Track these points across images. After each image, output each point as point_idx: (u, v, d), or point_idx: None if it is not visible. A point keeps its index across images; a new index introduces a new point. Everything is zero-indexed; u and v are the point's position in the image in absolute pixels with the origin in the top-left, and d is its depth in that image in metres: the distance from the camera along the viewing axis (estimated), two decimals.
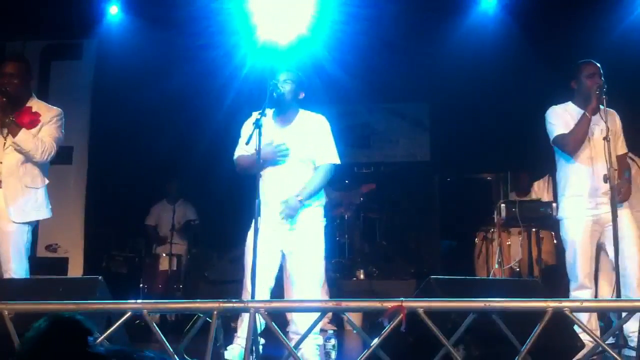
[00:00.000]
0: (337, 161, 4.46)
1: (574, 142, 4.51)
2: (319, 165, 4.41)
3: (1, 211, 4.35)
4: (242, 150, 4.42)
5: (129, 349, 1.45)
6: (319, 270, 4.34)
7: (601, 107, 4.40)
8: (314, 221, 4.37)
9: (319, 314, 3.39)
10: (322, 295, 6.32)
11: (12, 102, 4.42)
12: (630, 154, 5.03)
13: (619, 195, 4.30)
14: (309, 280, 4.29)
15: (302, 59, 7.18)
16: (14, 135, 4.36)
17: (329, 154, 4.44)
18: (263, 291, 4.13)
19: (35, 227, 4.60)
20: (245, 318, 4.04)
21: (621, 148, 4.64)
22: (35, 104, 4.58)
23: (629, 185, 4.51)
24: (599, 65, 4.56)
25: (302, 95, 4.45)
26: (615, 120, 4.63)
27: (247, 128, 4.34)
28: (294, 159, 4.35)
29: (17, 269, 4.31)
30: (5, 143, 4.42)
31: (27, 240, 4.44)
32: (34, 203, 4.47)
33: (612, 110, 4.63)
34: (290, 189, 4.29)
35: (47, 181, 4.60)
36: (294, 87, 4.40)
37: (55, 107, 4.63)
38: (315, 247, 4.33)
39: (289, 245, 4.32)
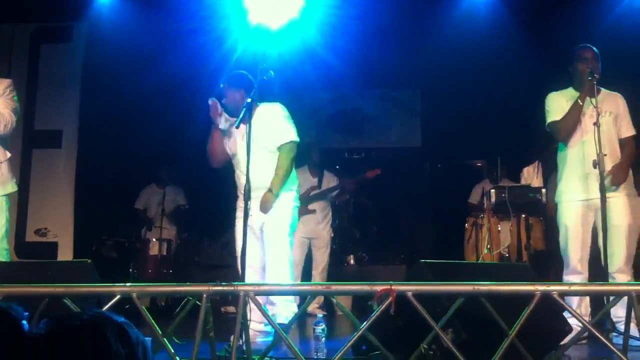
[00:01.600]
0: (296, 138, 4.66)
1: (565, 129, 4.52)
2: (279, 146, 4.63)
3: None
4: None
5: (67, 315, 1.38)
6: (284, 250, 4.54)
7: (602, 89, 4.40)
8: (280, 204, 4.57)
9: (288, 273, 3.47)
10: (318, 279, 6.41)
11: None
12: None
13: (613, 179, 4.30)
14: (276, 261, 4.49)
15: (294, 44, 7.16)
16: None
17: (285, 134, 4.65)
18: (256, 272, 4.41)
19: (14, 209, 4.53)
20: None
21: (626, 130, 4.58)
22: None
23: (621, 168, 4.47)
24: (595, 50, 4.55)
25: (247, 98, 4.43)
26: (618, 103, 4.60)
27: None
28: (259, 148, 4.48)
29: None
30: None
31: (3, 218, 4.35)
32: None
33: (615, 93, 4.63)
34: (260, 177, 4.45)
35: (9, 155, 4.50)
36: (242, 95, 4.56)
37: (3, 78, 4.51)
38: (280, 228, 4.55)
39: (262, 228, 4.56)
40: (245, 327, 3.30)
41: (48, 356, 1.27)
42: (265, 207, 4.51)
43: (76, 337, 1.28)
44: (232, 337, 3.27)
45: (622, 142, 4.55)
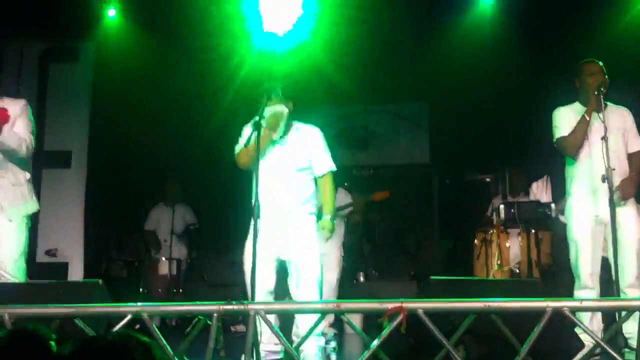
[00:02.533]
0: (334, 168, 4.59)
1: (573, 144, 4.52)
2: (320, 175, 4.54)
3: None
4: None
5: (92, 336, 1.40)
6: (316, 274, 4.37)
7: (608, 104, 4.41)
8: (307, 226, 4.43)
9: (319, 316, 3.40)
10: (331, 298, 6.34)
11: None
12: None
13: (623, 193, 4.28)
14: (308, 285, 4.32)
15: (300, 61, 7.20)
16: None
17: (327, 163, 4.56)
18: (262, 295, 4.18)
19: (31, 229, 4.57)
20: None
21: (635, 145, 4.56)
22: None
23: (631, 182, 4.44)
24: (601, 64, 4.56)
25: (291, 109, 4.44)
26: (626, 117, 4.59)
27: (247, 129, 4.37)
28: (291, 169, 4.43)
29: (13, 269, 4.27)
30: None
31: (25, 238, 4.41)
32: (20, 198, 4.41)
33: (622, 107, 4.62)
34: (286, 198, 4.37)
35: (28, 175, 4.55)
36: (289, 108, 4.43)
37: (19, 99, 4.51)
38: (310, 251, 4.38)
39: (285, 252, 4.38)
40: (256, 346, 3.30)
41: None
42: (327, 234, 4.44)
43: (103, 357, 1.29)
44: (242, 356, 3.27)
45: (631, 157, 4.55)
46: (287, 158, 4.41)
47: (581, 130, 4.46)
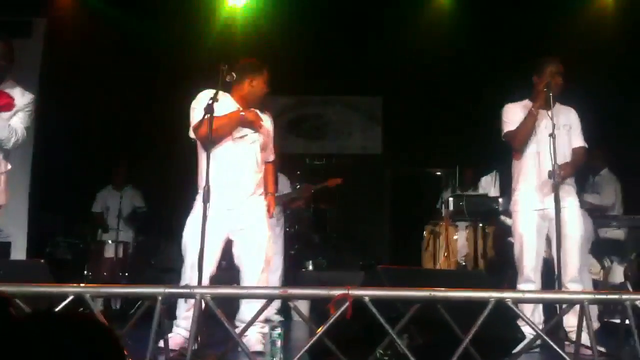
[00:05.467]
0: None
1: (519, 138, 4.60)
2: (269, 162, 4.68)
3: None
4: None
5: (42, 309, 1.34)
6: (264, 255, 4.37)
7: (558, 103, 4.48)
8: (258, 207, 4.45)
9: (265, 302, 3.39)
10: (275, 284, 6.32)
11: None
12: None
13: (558, 177, 4.34)
14: (255, 266, 4.32)
15: (256, 47, 7.16)
16: None
17: (273, 153, 4.74)
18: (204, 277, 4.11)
19: None
20: (183, 304, 4.08)
21: (577, 141, 4.67)
22: (9, 86, 4.29)
23: (570, 164, 4.53)
24: (558, 62, 4.62)
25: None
26: (572, 116, 4.69)
27: (198, 107, 4.24)
28: (255, 151, 4.42)
29: None
30: None
31: None
32: None
33: (568, 107, 4.71)
34: (241, 178, 4.34)
35: (9, 166, 4.43)
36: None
37: (29, 92, 4.38)
38: (260, 231, 4.39)
39: (235, 231, 4.35)
40: (199, 329, 3.27)
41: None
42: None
43: (61, 320, 1.23)
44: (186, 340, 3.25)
45: (573, 151, 4.64)
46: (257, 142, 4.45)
47: (527, 124, 4.53)
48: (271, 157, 4.71)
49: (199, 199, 4.05)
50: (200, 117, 3.98)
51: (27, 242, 7.17)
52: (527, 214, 4.57)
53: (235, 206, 4.32)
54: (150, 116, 8.25)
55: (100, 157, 8.16)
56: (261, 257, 4.35)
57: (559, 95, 4.51)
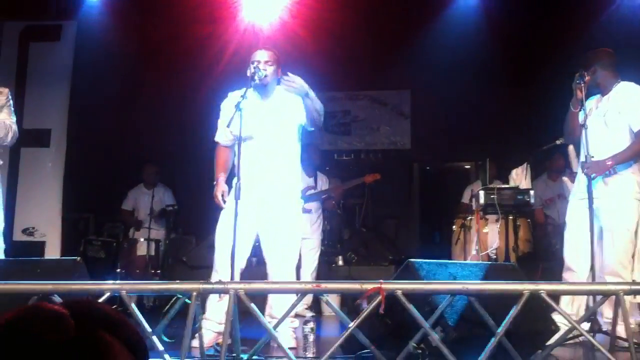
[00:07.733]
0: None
1: (566, 134, 4.70)
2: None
3: None
4: (223, 135, 4.42)
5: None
6: (295, 250, 4.36)
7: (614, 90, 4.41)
8: (290, 201, 4.38)
9: (295, 298, 3.41)
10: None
11: None
12: None
13: (589, 171, 4.26)
14: (284, 260, 4.30)
15: (284, 45, 7.17)
16: None
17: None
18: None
19: (8, 208, 4.55)
20: (214, 300, 4.09)
21: (636, 124, 4.35)
22: None
23: (601, 163, 4.33)
24: (594, 53, 4.53)
25: (280, 73, 4.41)
26: (620, 100, 4.42)
27: (226, 109, 4.32)
28: (275, 136, 4.34)
29: None
30: None
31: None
32: None
33: (622, 86, 4.47)
34: (271, 169, 4.30)
35: (1, 162, 4.57)
36: (275, 68, 4.38)
37: (2, 87, 4.47)
38: (291, 226, 4.34)
39: (265, 225, 4.32)
40: (235, 326, 3.30)
41: None
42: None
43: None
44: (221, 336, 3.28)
45: (636, 136, 4.37)
46: (272, 123, 4.39)
47: (568, 119, 4.55)
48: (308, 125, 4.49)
49: (231, 194, 4.09)
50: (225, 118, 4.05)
51: (61, 241, 7.27)
52: (573, 202, 4.59)
53: (266, 201, 4.32)
54: (179, 116, 8.32)
55: (131, 157, 8.25)
56: (290, 253, 4.34)
57: (600, 86, 4.46)
